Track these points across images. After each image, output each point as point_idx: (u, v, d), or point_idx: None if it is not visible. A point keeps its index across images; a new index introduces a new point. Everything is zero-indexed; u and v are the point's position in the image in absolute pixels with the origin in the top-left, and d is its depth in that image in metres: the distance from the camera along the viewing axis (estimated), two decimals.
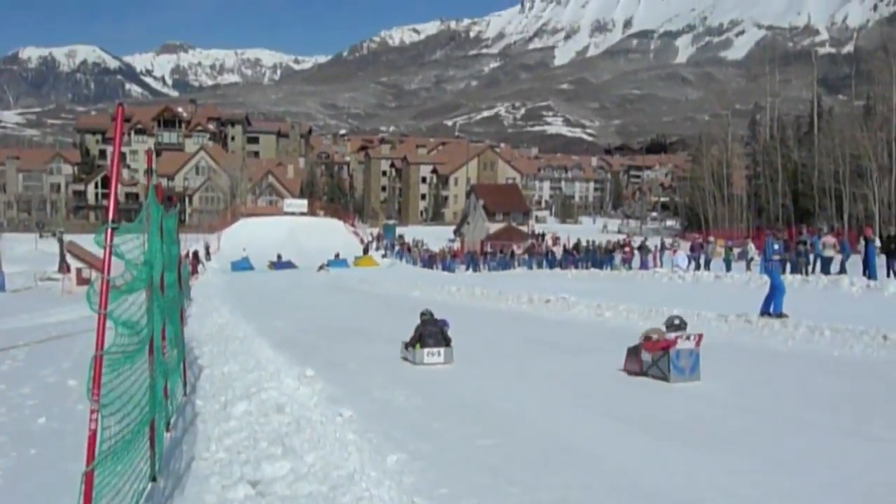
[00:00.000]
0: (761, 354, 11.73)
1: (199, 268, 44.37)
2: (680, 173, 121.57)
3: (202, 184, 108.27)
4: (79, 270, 44.29)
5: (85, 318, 16.92)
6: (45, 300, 35.39)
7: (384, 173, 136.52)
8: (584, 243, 47.18)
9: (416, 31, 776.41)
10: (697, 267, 32.52)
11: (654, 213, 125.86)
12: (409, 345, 11.91)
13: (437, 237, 76.37)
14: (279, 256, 51.57)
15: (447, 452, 6.68)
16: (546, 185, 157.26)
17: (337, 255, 51.74)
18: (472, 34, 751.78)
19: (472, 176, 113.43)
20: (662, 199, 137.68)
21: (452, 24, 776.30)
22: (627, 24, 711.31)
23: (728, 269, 30.66)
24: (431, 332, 11.78)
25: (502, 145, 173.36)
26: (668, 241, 46.48)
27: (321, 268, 46.78)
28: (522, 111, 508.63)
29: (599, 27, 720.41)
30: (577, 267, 40.06)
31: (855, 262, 25.49)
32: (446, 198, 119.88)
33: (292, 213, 72.13)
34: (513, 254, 50.86)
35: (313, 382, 9.51)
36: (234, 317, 19.07)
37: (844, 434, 7.03)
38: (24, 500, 5.62)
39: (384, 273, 44.29)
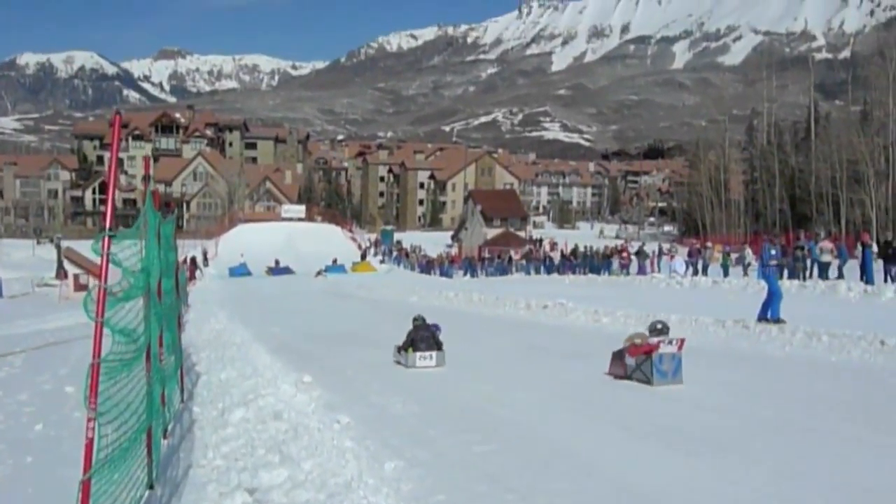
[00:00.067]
0: (759, 360, 11.73)
1: (197, 273, 44.37)
2: (677, 179, 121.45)
3: (200, 189, 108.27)
4: (76, 276, 44.17)
5: (82, 324, 16.88)
6: (42, 306, 35.32)
7: (382, 179, 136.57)
8: (581, 249, 47.21)
9: (413, 36, 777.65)
10: (695, 272, 32.55)
11: (652, 219, 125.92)
12: (402, 349, 12.14)
13: (434, 243, 76.47)
14: (277, 262, 51.59)
15: (444, 459, 6.67)
16: (544, 190, 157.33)
17: (335, 261, 51.74)
18: (469, 40, 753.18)
19: (470, 181, 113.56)
20: (660, 205, 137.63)
21: (450, 30, 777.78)
22: (625, 29, 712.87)
23: (725, 274, 30.70)
24: (423, 337, 12.03)
25: (500, 151, 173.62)
26: (665, 246, 46.46)
27: (319, 273, 46.75)
28: (520, 117, 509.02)
29: (597, 33, 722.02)
30: (574, 272, 40.12)
31: (852, 267, 25.52)
32: (444, 203, 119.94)
33: (290, 219, 72.19)
34: (510, 259, 50.86)
35: (311, 389, 9.51)
36: (231, 323, 19.08)
37: (842, 439, 7.02)
38: None
39: (382, 279, 44.27)
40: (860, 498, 5.53)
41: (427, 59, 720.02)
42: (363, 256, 59.09)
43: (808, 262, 26.92)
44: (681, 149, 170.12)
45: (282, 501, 5.48)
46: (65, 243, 53.82)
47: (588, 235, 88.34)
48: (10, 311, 33.40)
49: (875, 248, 25.68)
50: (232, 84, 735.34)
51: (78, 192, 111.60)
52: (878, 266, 24.13)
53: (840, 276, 24.66)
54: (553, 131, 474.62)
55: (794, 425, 7.61)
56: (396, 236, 78.80)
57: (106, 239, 4.05)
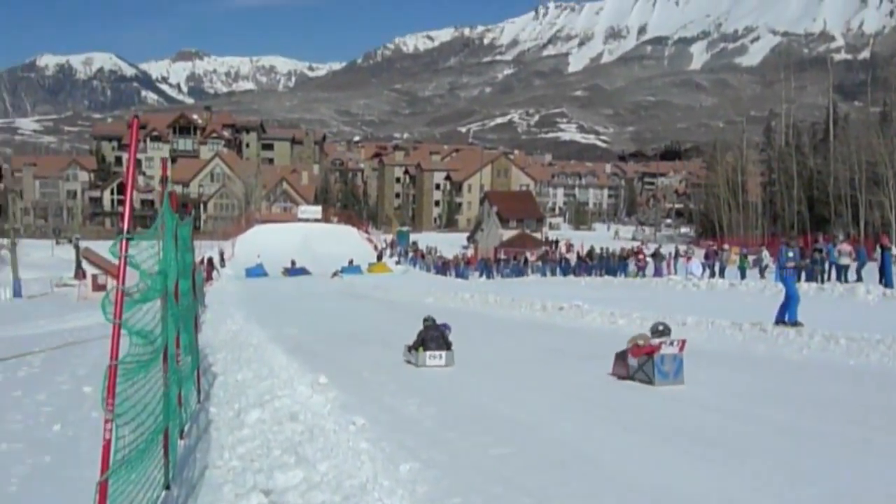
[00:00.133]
0: (776, 363, 11.67)
1: (214, 274, 44.58)
2: (694, 180, 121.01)
3: (217, 190, 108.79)
4: (94, 276, 44.56)
5: (100, 324, 16.98)
6: (60, 306, 35.68)
7: (398, 180, 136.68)
8: (597, 250, 47.07)
9: (430, 38, 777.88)
10: (712, 275, 32.42)
11: (669, 220, 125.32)
12: (412, 348, 12.40)
13: (450, 244, 76.44)
14: (293, 263, 51.72)
15: (460, 461, 6.67)
16: (560, 191, 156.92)
17: (351, 262, 51.82)
18: (485, 41, 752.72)
19: (486, 183, 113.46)
20: (677, 206, 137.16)
21: (466, 31, 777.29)
22: (642, 30, 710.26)
23: (743, 276, 30.53)
24: (433, 336, 12.29)
25: (516, 152, 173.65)
26: (682, 248, 46.31)
27: (335, 274, 46.85)
28: (536, 118, 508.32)
29: (614, 34, 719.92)
30: (590, 274, 40.00)
31: (871, 269, 25.30)
32: (460, 204, 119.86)
33: (306, 220, 72.28)
34: (526, 261, 50.76)
35: (326, 390, 9.52)
36: (247, 323, 19.15)
37: (859, 444, 6.97)
38: None
39: (398, 280, 44.33)
40: (863, 499, 5.52)
41: (443, 61, 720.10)
42: (379, 257, 59.14)
43: (827, 264, 26.76)
44: (698, 150, 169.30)
45: (297, 503, 5.50)
46: (83, 244, 54.35)
47: (604, 237, 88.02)
48: (29, 310, 33.76)
49: (894, 251, 25.45)
50: (249, 85, 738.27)
51: (96, 193, 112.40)
52: None
53: (858, 278, 24.50)
54: (569, 132, 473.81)
55: (810, 429, 7.55)
56: (412, 237, 78.86)
57: (123, 241, 4.08)
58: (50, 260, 63.75)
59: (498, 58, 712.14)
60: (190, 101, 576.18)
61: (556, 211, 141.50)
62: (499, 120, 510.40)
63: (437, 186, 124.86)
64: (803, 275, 24.21)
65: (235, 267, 52.48)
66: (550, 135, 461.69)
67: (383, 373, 11.74)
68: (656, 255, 39.68)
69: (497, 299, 24.15)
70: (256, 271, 49.26)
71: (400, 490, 5.69)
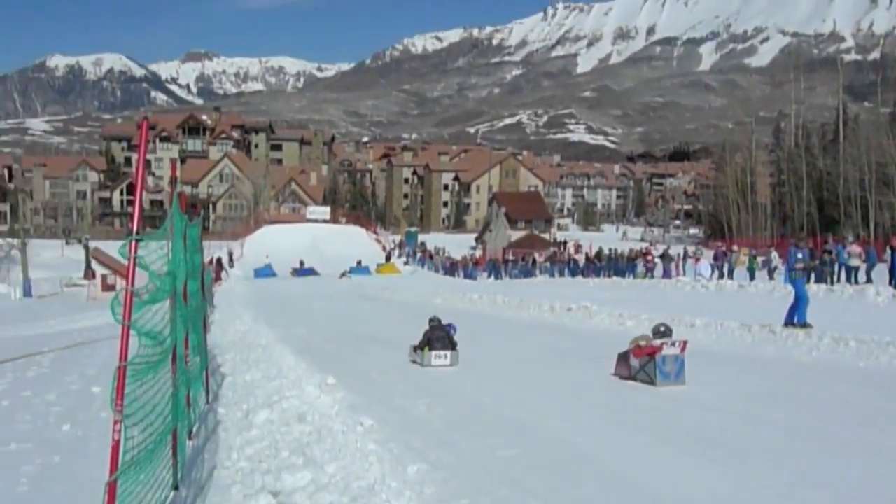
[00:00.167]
0: (785, 365, 11.63)
1: (223, 274, 44.68)
2: (703, 181, 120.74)
3: (226, 191, 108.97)
4: (104, 277, 44.75)
5: (110, 324, 17.01)
6: (70, 306, 35.82)
7: (406, 181, 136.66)
8: (606, 251, 47.01)
9: (438, 38, 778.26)
10: (721, 276, 32.32)
11: (678, 221, 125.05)
12: (418, 348, 12.52)
13: (458, 245, 76.44)
14: (302, 263, 51.80)
15: (467, 463, 6.67)
16: (568, 192, 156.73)
17: (359, 263, 51.88)
18: (494, 42, 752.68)
19: (495, 183, 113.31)
20: (686, 207, 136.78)
21: (475, 32, 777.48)
22: (650, 31, 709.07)
23: (752, 278, 30.43)
24: (439, 337, 12.41)
25: (524, 153, 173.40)
26: (690, 249, 46.14)
27: (343, 275, 46.89)
28: (545, 118, 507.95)
29: (622, 34, 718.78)
30: (599, 275, 39.94)
31: (881, 271, 25.22)
32: (468, 205, 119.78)
33: (315, 221, 72.47)
34: (535, 262, 50.75)
35: (334, 391, 9.53)
36: (256, 324, 19.18)
37: (866, 446, 6.95)
38: None
39: (406, 280, 44.35)
40: (870, 502, 5.51)
41: (452, 61, 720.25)
42: (387, 258, 59.21)
43: (836, 266, 26.64)
44: (707, 151, 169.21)
45: None
46: (93, 244, 54.55)
47: (612, 238, 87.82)
48: (39, 310, 33.91)
49: None
50: (258, 86, 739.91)
51: (106, 194, 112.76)
52: None
53: (868, 280, 24.38)
54: (578, 133, 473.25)
55: (818, 431, 7.52)
56: (421, 238, 78.80)
57: (133, 243, 4.09)
58: (60, 260, 63.95)
59: (506, 58, 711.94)
60: (199, 101, 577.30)
61: (565, 212, 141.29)
62: (507, 121, 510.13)
63: (446, 187, 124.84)
64: (813, 276, 24.13)
65: (244, 267, 52.61)
66: (559, 135, 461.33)
67: (391, 373, 11.74)
68: (665, 257, 39.58)
69: (505, 300, 24.15)
70: (265, 272, 49.37)
71: (408, 491, 5.69)
